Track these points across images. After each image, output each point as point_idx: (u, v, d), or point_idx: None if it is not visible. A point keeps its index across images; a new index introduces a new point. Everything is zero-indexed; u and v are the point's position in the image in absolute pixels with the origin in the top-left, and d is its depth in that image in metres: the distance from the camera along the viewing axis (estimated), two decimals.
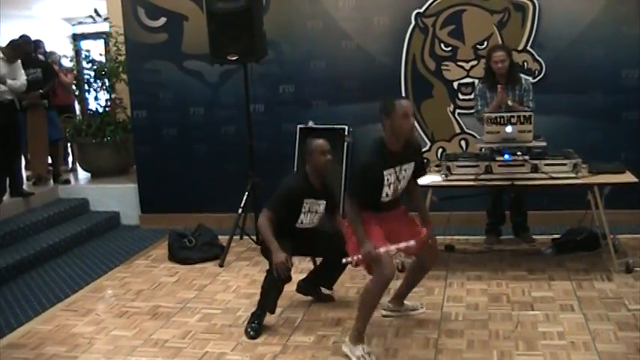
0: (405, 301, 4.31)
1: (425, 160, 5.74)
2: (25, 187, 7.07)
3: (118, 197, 7.28)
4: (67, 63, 9.13)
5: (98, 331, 4.36)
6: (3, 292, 5.22)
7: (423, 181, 4.89)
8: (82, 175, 8.32)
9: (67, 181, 7.75)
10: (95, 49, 8.86)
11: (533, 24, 5.93)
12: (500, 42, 5.89)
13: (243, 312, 4.45)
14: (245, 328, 4.17)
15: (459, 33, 6.09)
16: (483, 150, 5.02)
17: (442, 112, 6.24)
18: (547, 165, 4.83)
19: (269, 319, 4.25)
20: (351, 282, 4.82)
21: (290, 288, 4.57)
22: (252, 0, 5.39)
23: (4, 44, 6.76)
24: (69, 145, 8.79)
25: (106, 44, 8.60)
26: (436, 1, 6.08)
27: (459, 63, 6.13)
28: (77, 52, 9.05)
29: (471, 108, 5.57)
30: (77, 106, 9.33)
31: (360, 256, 3.72)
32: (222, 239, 5.90)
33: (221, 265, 5.56)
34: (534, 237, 5.65)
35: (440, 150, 6.22)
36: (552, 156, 4.92)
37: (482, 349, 3.77)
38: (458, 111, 6.20)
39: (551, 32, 5.92)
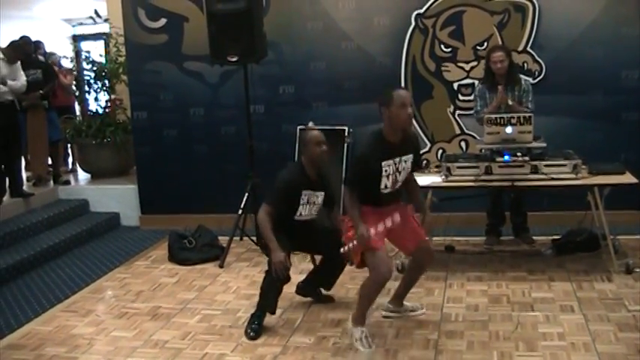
0: (405, 302, 4.30)
1: (425, 161, 5.80)
2: (25, 187, 7.07)
3: (118, 198, 7.29)
4: (67, 64, 9.14)
5: (98, 332, 4.36)
6: (3, 292, 5.22)
7: (423, 182, 4.93)
8: (82, 175, 8.32)
9: (67, 182, 7.75)
10: (95, 50, 8.87)
11: (533, 25, 5.94)
12: (500, 43, 5.89)
13: (243, 313, 4.45)
14: (245, 329, 4.16)
15: (459, 34, 6.09)
16: (483, 151, 5.02)
17: (442, 113, 6.24)
18: (547, 166, 4.83)
19: (269, 320, 4.25)
20: (352, 282, 4.81)
21: (290, 289, 4.57)
22: (253, 1, 5.39)
23: (4, 45, 6.77)
24: (69, 145, 8.79)
25: (106, 45, 8.59)
26: (436, 2, 6.08)
27: (459, 64, 6.13)
28: (77, 53, 9.05)
29: (471, 109, 5.57)
30: (77, 107, 9.34)
31: (355, 242, 3.73)
32: (223, 240, 5.89)
33: (221, 266, 5.56)
34: (534, 238, 5.64)
35: (440, 151, 6.22)
36: (552, 157, 4.92)
37: (482, 350, 3.77)
38: (458, 112, 6.21)
39: (551, 33, 5.93)
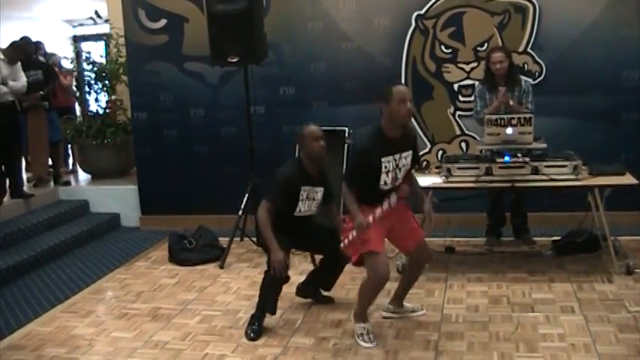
0: (405, 303, 4.31)
1: (425, 162, 5.79)
2: (25, 188, 7.07)
3: (119, 199, 7.29)
4: (67, 64, 9.14)
5: (98, 333, 4.36)
6: (3, 293, 5.22)
7: (423, 182, 4.92)
8: (83, 176, 8.33)
9: (68, 183, 7.75)
10: (96, 51, 8.87)
11: (534, 26, 5.94)
12: (500, 44, 5.89)
13: (244, 314, 4.45)
14: (245, 330, 4.16)
15: (459, 35, 6.09)
16: (484, 152, 5.02)
17: (442, 114, 6.24)
18: (547, 167, 4.83)
19: (269, 320, 4.25)
20: (352, 283, 4.81)
21: (290, 289, 4.57)
22: (253, 1, 5.39)
23: (4, 46, 6.77)
24: (69, 146, 8.79)
25: (107, 46, 8.59)
26: (436, 3, 6.08)
27: (460, 65, 6.13)
28: (78, 53, 9.05)
29: (472, 110, 5.57)
30: (78, 108, 9.34)
31: (354, 233, 3.72)
32: (223, 241, 5.89)
33: (221, 267, 5.56)
34: (535, 239, 5.64)
35: (440, 152, 6.22)
36: (553, 158, 4.91)
37: (482, 351, 3.77)
38: (458, 113, 6.21)
39: (552, 34, 5.93)
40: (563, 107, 5.95)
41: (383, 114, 3.80)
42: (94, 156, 7.92)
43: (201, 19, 6.12)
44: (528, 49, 5.97)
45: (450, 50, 6.14)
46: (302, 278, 4.67)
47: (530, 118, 4.84)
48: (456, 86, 6.17)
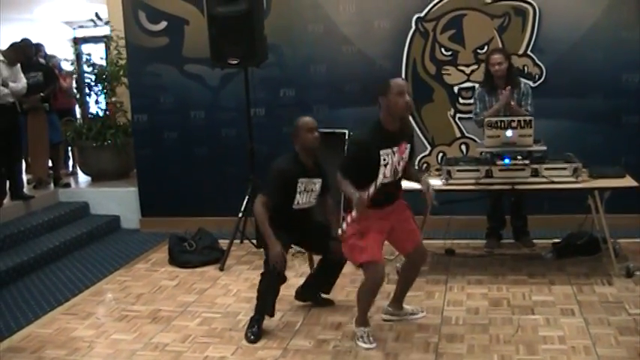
0: (405, 305, 4.31)
1: (425, 165, 5.80)
2: (25, 190, 7.07)
3: (119, 201, 7.28)
4: (67, 66, 9.14)
5: (98, 335, 4.35)
6: (3, 295, 5.21)
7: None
8: (83, 178, 8.32)
9: (68, 185, 7.74)
10: (96, 53, 8.86)
11: (534, 28, 5.94)
12: (500, 46, 5.89)
13: (244, 316, 4.44)
14: (245, 333, 4.16)
15: (459, 37, 6.09)
16: (484, 154, 5.02)
17: (442, 116, 6.24)
18: (547, 169, 4.83)
19: (269, 323, 4.25)
20: (351, 286, 4.80)
21: (289, 292, 4.58)
22: (253, 4, 5.40)
23: (5, 48, 6.77)
24: (69, 148, 8.79)
25: (107, 48, 8.59)
26: (437, 6, 6.08)
27: (460, 67, 6.13)
28: (78, 55, 9.05)
29: (471, 112, 5.57)
30: (78, 110, 9.34)
31: (353, 214, 3.64)
32: (223, 243, 5.89)
33: (221, 269, 5.56)
34: (535, 241, 5.64)
35: (440, 154, 6.21)
36: (552, 160, 4.92)
37: (482, 354, 3.77)
38: (458, 115, 6.21)
39: (552, 36, 5.93)
40: (564, 110, 5.95)
41: (381, 107, 3.79)
42: (94, 158, 7.92)
43: (201, 21, 6.12)
44: (528, 52, 5.97)
45: (450, 53, 6.14)
46: (301, 280, 4.67)
47: (531, 120, 4.85)
48: (456, 89, 6.17)
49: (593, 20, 5.86)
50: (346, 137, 6.14)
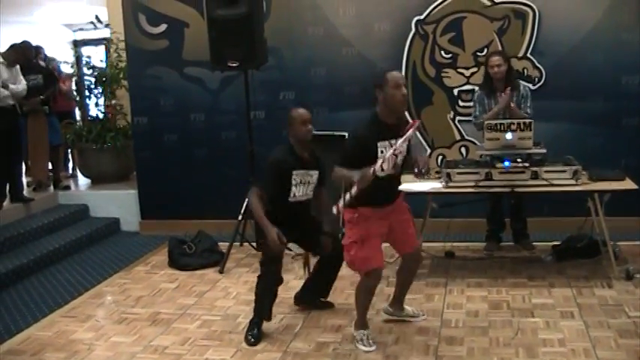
0: (406, 307, 4.30)
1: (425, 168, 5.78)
2: (25, 192, 7.07)
3: (118, 203, 7.28)
4: (66, 69, 9.14)
5: (98, 338, 4.35)
6: (3, 297, 5.21)
7: (423, 187, 4.93)
8: (83, 180, 8.32)
9: (68, 187, 7.75)
10: (96, 56, 8.87)
11: (534, 31, 5.94)
12: (499, 49, 5.89)
13: (243, 318, 4.44)
14: (245, 335, 4.16)
15: (459, 40, 6.10)
16: (483, 157, 5.02)
17: (442, 118, 6.24)
18: (547, 172, 4.83)
19: (269, 325, 4.25)
20: (351, 289, 4.77)
21: (289, 294, 4.58)
22: (253, 6, 5.40)
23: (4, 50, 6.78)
24: (69, 150, 8.79)
25: (107, 50, 8.60)
26: (437, 8, 6.09)
27: (459, 70, 6.14)
28: (78, 58, 9.06)
29: (471, 115, 5.57)
30: (78, 112, 9.34)
31: (353, 191, 3.53)
32: (222, 246, 5.89)
33: (221, 272, 5.56)
34: (534, 244, 5.64)
35: (440, 157, 6.22)
36: (552, 163, 4.92)
37: (482, 356, 3.77)
38: (458, 118, 6.21)
39: (552, 39, 5.93)
40: (563, 112, 5.95)
41: (378, 100, 3.77)
42: (94, 160, 7.93)
43: (201, 23, 6.13)
44: (528, 55, 5.97)
45: (450, 55, 6.14)
46: (302, 283, 4.67)
47: (530, 123, 4.85)
48: (455, 91, 6.18)
49: (592, 23, 5.86)
50: (346, 140, 6.13)
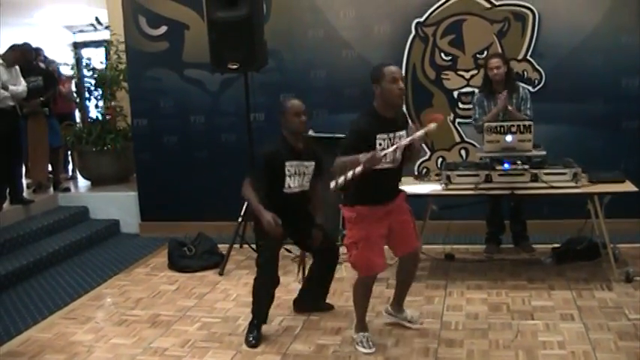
0: (407, 309, 4.29)
1: (425, 169, 5.80)
2: (25, 194, 7.07)
3: (118, 205, 7.28)
4: (66, 71, 9.14)
5: (97, 340, 4.35)
6: (2, 299, 5.21)
7: (423, 190, 4.93)
8: (82, 182, 8.32)
9: (67, 189, 7.75)
10: (96, 57, 8.88)
11: (533, 33, 5.95)
12: (499, 51, 5.90)
13: (243, 320, 4.44)
14: (245, 337, 4.15)
15: (459, 42, 6.10)
16: (483, 159, 5.02)
17: (442, 121, 6.23)
18: (547, 174, 4.83)
19: (269, 327, 4.25)
20: (351, 290, 4.78)
21: (288, 296, 4.58)
22: (253, 9, 5.40)
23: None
24: (69, 152, 8.79)
25: (107, 52, 8.60)
26: (436, 11, 6.10)
27: (459, 72, 6.14)
28: (78, 60, 9.06)
29: (471, 117, 5.57)
30: (78, 114, 9.34)
31: (358, 169, 3.53)
32: (222, 248, 5.89)
33: (221, 274, 5.55)
34: (534, 246, 5.64)
35: (440, 159, 6.22)
36: (552, 165, 4.92)
37: (482, 359, 3.77)
38: (458, 120, 6.21)
39: (551, 41, 5.94)
40: (563, 114, 5.95)
41: (375, 95, 3.77)
42: (93, 162, 7.93)
43: (201, 25, 6.13)
44: (528, 57, 5.98)
45: (450, 58, 6.15)
46: (300, 285, 4.67)
47: (530, 125, 4.85)
48: (455, 93, 6.18)
49: (592, 25, 5.87)
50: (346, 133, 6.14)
